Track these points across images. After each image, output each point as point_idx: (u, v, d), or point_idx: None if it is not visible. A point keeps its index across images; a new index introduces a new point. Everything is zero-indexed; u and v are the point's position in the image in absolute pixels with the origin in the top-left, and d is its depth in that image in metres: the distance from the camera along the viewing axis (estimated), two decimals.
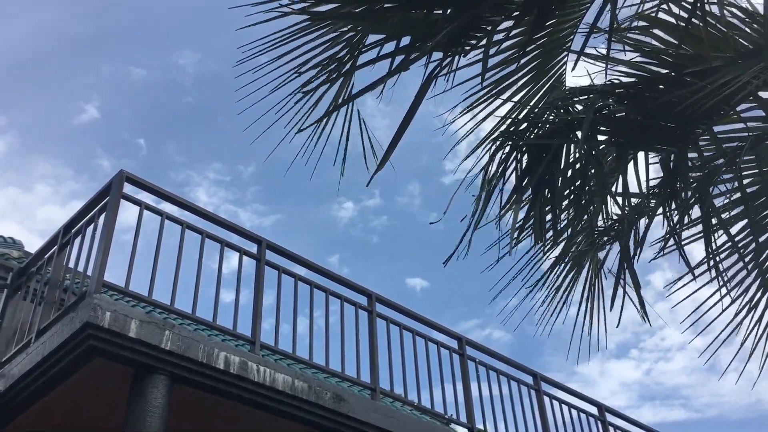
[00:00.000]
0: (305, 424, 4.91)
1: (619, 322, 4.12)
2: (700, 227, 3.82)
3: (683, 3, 3.24)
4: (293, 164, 3.47)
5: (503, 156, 3.63)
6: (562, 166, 3.65)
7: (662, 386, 29.08)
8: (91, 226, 4.59)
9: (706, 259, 3.80)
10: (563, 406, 7.38)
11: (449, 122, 3.77)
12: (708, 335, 3.93)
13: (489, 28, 3.24)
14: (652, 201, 3.98)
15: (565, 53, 3.70)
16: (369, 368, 5.57)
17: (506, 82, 3.73)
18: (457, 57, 3.29)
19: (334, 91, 3.44)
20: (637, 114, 3.52)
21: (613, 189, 3.94)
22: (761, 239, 3.86)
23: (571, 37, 3.60)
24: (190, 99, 25.87)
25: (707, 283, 3.92)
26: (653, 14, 3.35)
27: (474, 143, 3.86)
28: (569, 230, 3.99)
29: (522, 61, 3.62)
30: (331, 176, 3.56)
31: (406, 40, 3.17)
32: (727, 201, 3.91)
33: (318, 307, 5.49)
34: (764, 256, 3.89)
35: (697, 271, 3.89)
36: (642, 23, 3.42)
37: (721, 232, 3.83)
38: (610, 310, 4.15)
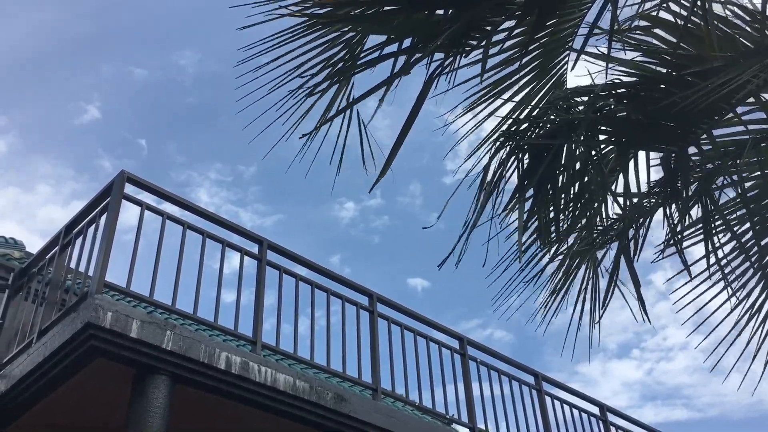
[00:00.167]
0: (306, 425, 4.90)
1: (603, 314, 4.12)
2: (699, 227, 3.82)
3: (684, 2, 3.24)
4: (294, 164, 3.47)
5: (504, 156, 3.63)
6: (563, 166, 3.64)
7: (664, 386, 29.10)
8: (93, 226, 4.59)
9: (706, 259, 3.80)
10: (565, 406, 7.38)
11: (450, 122, 3.77)
12: (706, 332, 3.92)
13: (490, 28, 3.24)
14: (652, 200, 3.98)
15: (566, 53, 3.70)
16: (370, 368, 5.57)
17: (507, 82, 3.73)
18: (458, 57, 3.29)
19: (334, 91, 3.44)
20: (637, 113, 3.51)
21: (614, 188, 3.94)
22: (762, 242, 3.85)
23: (572, 37, 3.60)
24: (191, 99, 25.92)
25: (706, 282, 3.92)
26: (654, 14, 3.35)
27: (475, 143, 3.86)
28: (572, 231, 3.99)
29: (523, 61, 3.61)
30: (332, 176, 3.56)
31: (407, 42, 3.17)
32: (729, 201, 3.90)
33: (319, 308, 5.51)
34: (767, 259, 3.88)
35: (697, 271, 3.89)
36: (643, 23, 3.42)
37: (723, 232, 3.83)
38: (604, 308, 4.15)
